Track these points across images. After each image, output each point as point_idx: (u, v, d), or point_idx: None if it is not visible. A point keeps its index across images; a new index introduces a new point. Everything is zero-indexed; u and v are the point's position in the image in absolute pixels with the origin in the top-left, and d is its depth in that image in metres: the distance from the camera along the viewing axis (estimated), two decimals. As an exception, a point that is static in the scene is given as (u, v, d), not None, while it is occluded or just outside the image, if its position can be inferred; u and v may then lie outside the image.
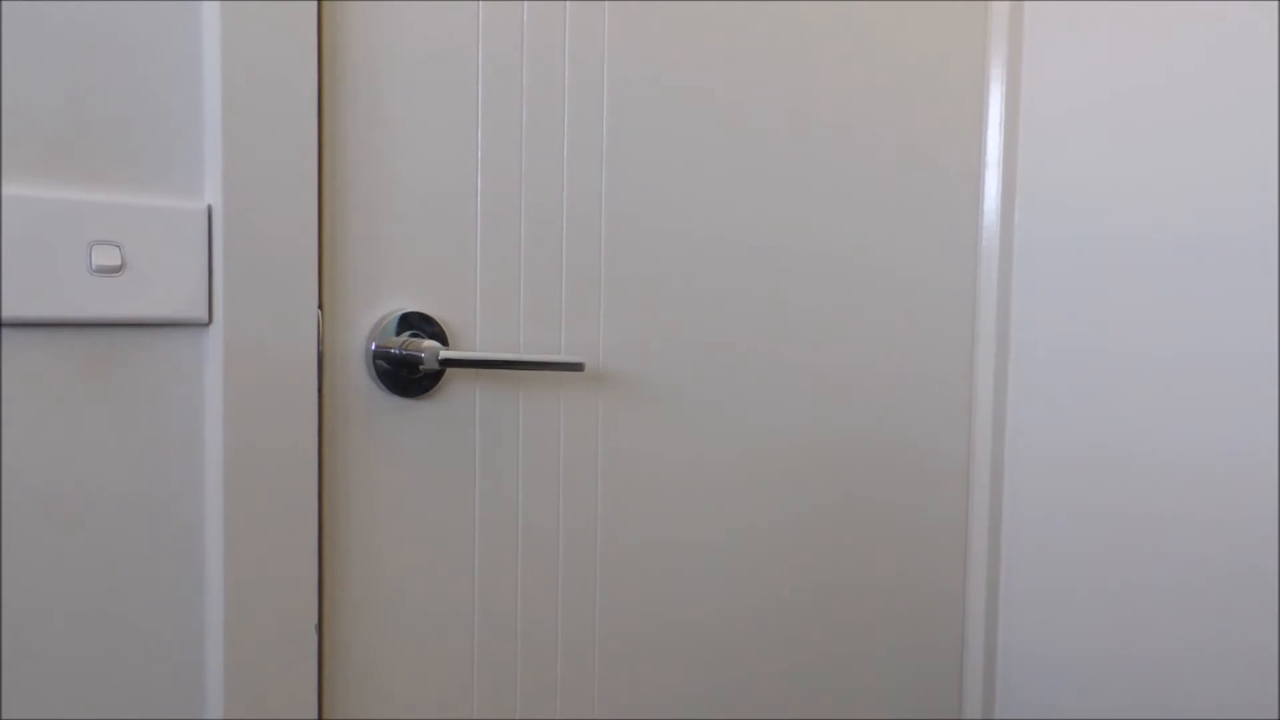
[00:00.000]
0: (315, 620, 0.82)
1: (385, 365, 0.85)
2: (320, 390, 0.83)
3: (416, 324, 0.86)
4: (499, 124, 0.91)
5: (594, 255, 0.97)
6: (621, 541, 1.01)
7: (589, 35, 0.95)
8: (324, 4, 0.81)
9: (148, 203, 0.74)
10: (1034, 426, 1.25)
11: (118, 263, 0.72)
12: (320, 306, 0.82)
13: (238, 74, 0.75)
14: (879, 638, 1.23)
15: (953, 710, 1.31)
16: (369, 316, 0.85)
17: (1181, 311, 1.11)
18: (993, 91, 1.26)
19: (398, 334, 0.85)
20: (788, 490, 1.13)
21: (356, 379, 0.85)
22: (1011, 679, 1.29)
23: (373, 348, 0.85)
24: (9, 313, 0.69)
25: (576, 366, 0.87)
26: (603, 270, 0.98)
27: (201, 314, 0.76)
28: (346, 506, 0.85)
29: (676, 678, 1.06)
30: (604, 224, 0.98)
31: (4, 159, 0.69)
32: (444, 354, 0.83)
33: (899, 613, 1.24)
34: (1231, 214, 1.07)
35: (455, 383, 0.90)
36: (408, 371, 0.86)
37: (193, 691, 0.78)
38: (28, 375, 0.71)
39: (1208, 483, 1.09)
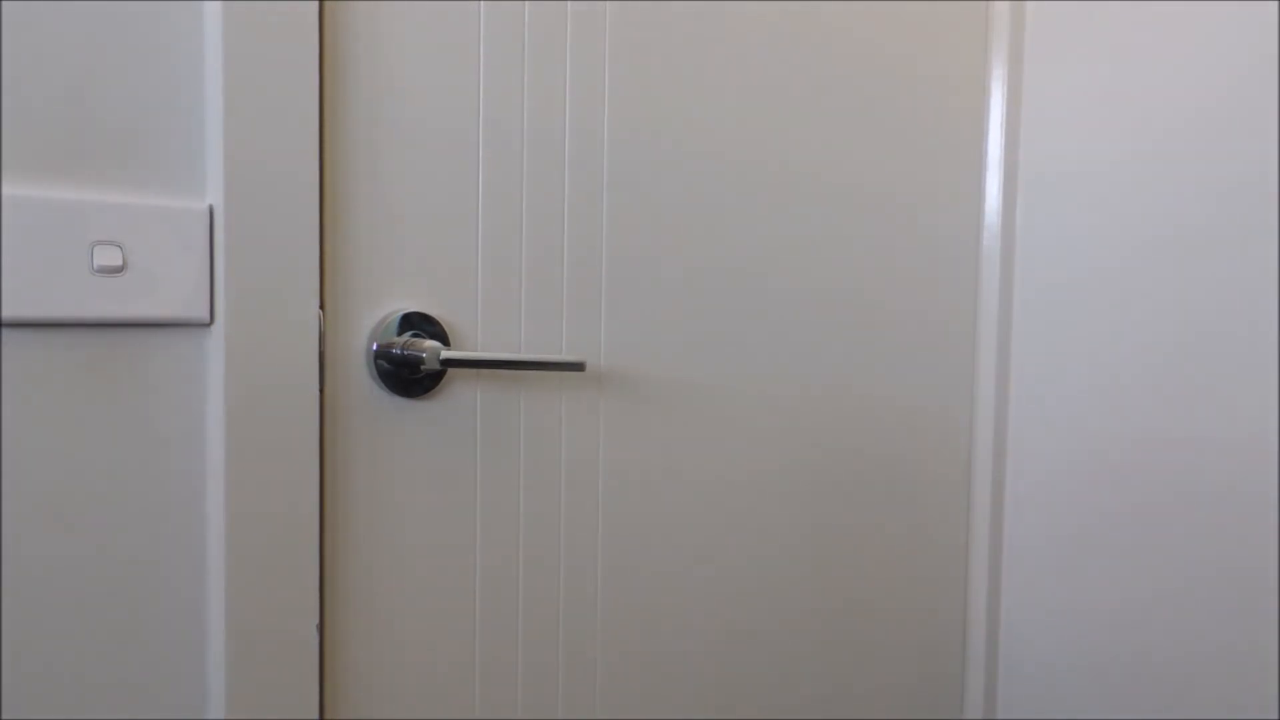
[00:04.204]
0: (317, 620, 0.82)
1: (387, 365, 0.85)
2: (321, 390, 0.83)
3: (418, 324, 0.86)
4: (500, 124, 0.91)
5: (595, 254, 0.97)
6: (623, 541, 1.01)
7: (591, 34, 0.95)
8: (325, 4, 0.81)
9: (149, 203, 0.74)
10: (1035, 427, 1.25)
11: (119, 263, 0.72)
12: (321, 307, 0.82)
13: (239, 74, 0.75)
14: (880, 638, 1.23)
15: (954, 710, 1.31)
16: (370, 317, 0.85)
17: (1182, 308, 1.11)
18: (994, 91, 1.26)
19: (399, 334, 0.85)
20: (789, 490, 1.13)
21: (358, 379, 0.85)
22: (1013, 679, 1.29)
23: (374, 348, 0.85)
24: (9, 313, 0.69)
25: (578, 366, 0.87)
26: (604, 269, 0.98)
27: (203, 314, 0.76)
28: (348, 506, 0.85)
29: (677, 677, 1.06)
30: (605, 223, 0.97)
31: (5, 159, 0.69)
32: (445, 354, 0.83)
33: (900, 613, 1.24)
34: (1232, 211, 1.07)
35: (456, 383, 0.90)
36: (409, 371, 0.86)
37: (194, 692, 0.78)
38: (28, 375, 0.71)
39: (1209, 479, 1.09)
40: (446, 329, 0.89)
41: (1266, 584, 1.05)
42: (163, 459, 0.76)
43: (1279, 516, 1.04)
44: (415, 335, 0.86)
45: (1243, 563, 1.07)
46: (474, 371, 0.90)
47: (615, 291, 0.99)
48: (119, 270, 0.72)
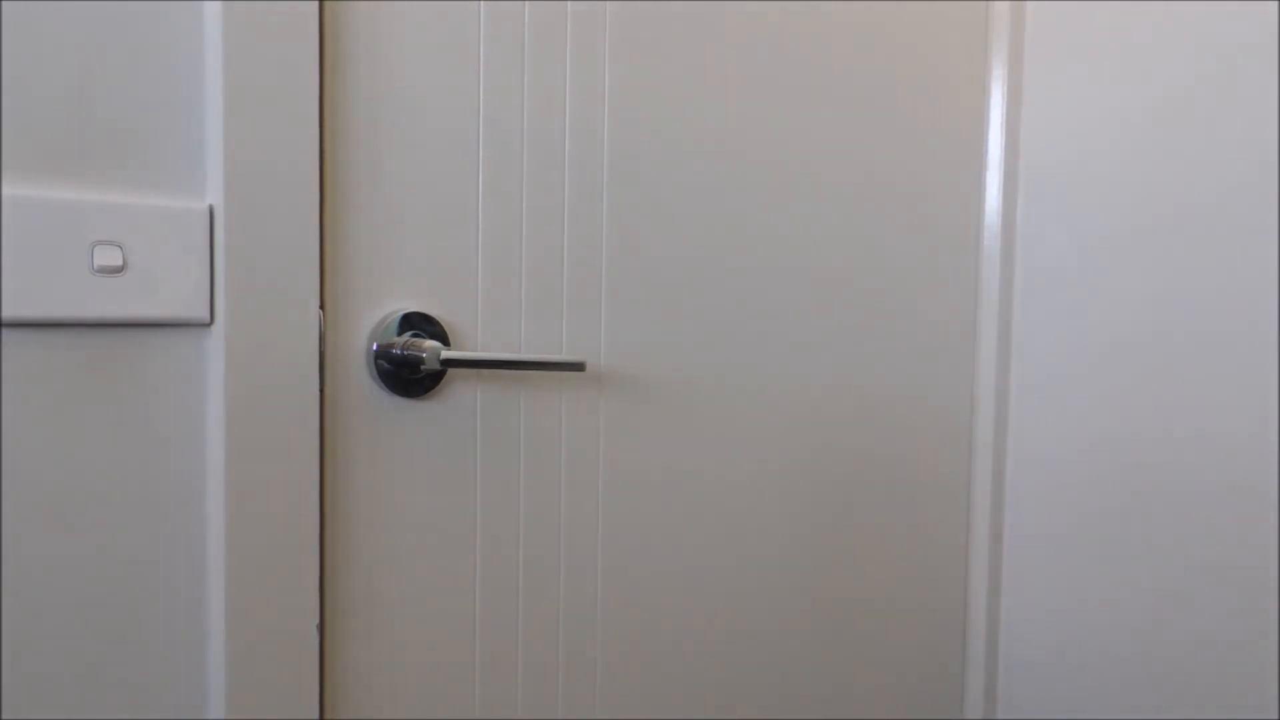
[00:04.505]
0: (317, 620, 0.82)
1: (387, 365, 0.85)
2: (322, 390, 0.83)
3: (418, 324, 0.86)
4: (500, 124, 0.91)
5: (595, 254, 0.97)
6: (622, 541, 1.01)
7: (591, 34, 0.95)
8: (325, 4, 0.81)
9: (150, 203, 0.74)
10: (1035, 426, 1.25)
11: (119, 263, 0.72)
12: (322, 307, 0.82)
13: (239, 74, 0.75)
14: (880, 638, 1.23)
15: (954, 710, 1.31)
16: (370, 317, 0.85)
17: (1182, 306, 1.11)
18: (994, 91, 1.26)
19: (399, 334, 0.85)
20: (789, 489, 1.13)
21: (358, 379, 0.85)
22: (1013, 678, 1.29)
23: (374, 348, 0.85)
24: (10, 313, 0.69)
25: (578, 366, 0.87)
26: (604, 269, 0.98)
27: (203, 314, 0.76)
28: (348, 506, 0.85)
29: (677, 678, 1.06)
30: (605, 223, 0.97)
31: (5, 159, 0.69)
32: (445, 354, 0.83)
33: (900, 612, 1.24)
34: (1232, 209, 1.07)
35: (457, 383, 0.90)
36: (409, 371, 0.86)
37: (194, 692, 0.78)
38: (28, 375, 0.71)
39: (1209, 477, 1.09)
40: (446, 329, 0.89)
41: (1267, 583, 1.05)
42: (163, 459, 0.76)
43: (1279, 516, 1.04)
44: (415, 335, 0.86)
45: (1243, 562, 1.07)
46: (474, 371, 0.90)
47: (615, 291, 0.99)
48: (119, 270, 0.72)
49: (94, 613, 0.74)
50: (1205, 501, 1.10)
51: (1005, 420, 1.28)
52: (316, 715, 0.82)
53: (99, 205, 0.72)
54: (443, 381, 0.89)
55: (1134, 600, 1.16)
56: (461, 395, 0.90)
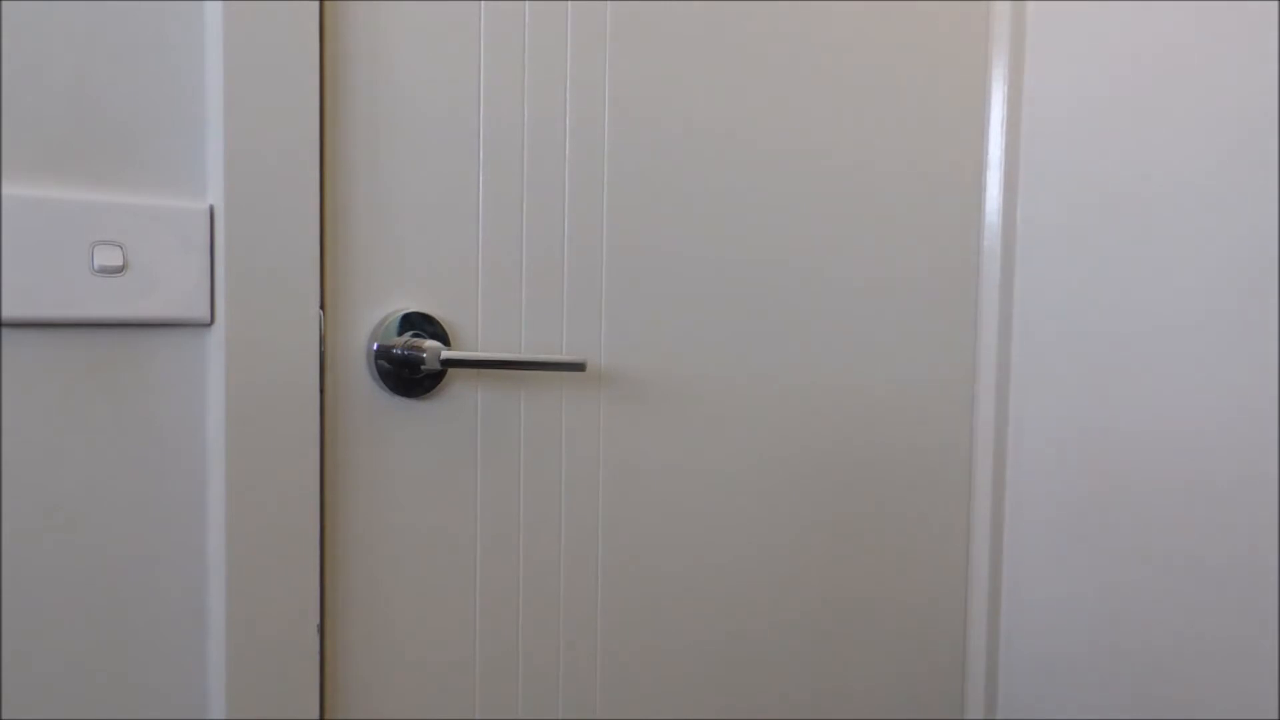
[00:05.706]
0: (317, 621, 0.82)
1: (387, 365, 0.85)
2: (322, 390, 0.83)
3: (418, 324, 0.86)
4: (501, 123, 0.91)
5: (595, 254, 0.97)
6: (623, 541, 1.01)
7: (591, 33, 0.95)
8: (326, 4, 0.81)
9: (150, 203, 0.74)
10: (1036, 424, 1.25)
11: (120, 263, 0.72)
12: (322, 307, 0.82)
13: (240, 74, 0.75)
14: (881, 636, 1.23)
15: (955, 710, 1.31)
16: (371, 317, 0.85)
17: (1181, 303, 1.11)
18: (995, 91, 1.26)
19: (399, 334, 0.85)
20: (790, 489, 1.13)
21: (358, 379, 0.85)
22: (1013, 677, 1.29)
23: (374, 348, 0.85)
24: (10, 313, 0.69)
25: (578, 366, 0.87)
26: (604, 269, 0.98)
27: (203, 314, 0.76)
28: (348, 506, 0.85)
29: (678, 678, 1.06)
30: (605, 223, 0.97)
31: (6, 159, 0.69)
32: (446, 354, 0.83)
33: (901, 611, 1.24)
34: (1232, 207, 1.07)
35: (457, 383, 0.90)
36: (409, 371, 0.86)
37: (195, 692, 0.78)
38: (29, 375, 0.71)
39: (1210, 474, 1.09)
40: (446, 329, 0.89)
41: (1269, 578, 1.05)
42: (163, 459, 0.76)
43: (1279, 512, 1.04)
44: (415, 335, 0.86)
45: (1245, 558, 1.07)
46: (474, 371, 0.90)
47: (615, 291, 0.99)
48: (119, 270, 0.72)
49: (94, 613, 0.74)
50: (1207, 497, 1.10)
51: (1005, 418, 1.28)
52: (316, 715, 0.82)
53: (99, 205, 0.72)
54: (443, 381, 0.89)
55: (1136, 599, 1.16)
56: (462, 395, 0.90)
